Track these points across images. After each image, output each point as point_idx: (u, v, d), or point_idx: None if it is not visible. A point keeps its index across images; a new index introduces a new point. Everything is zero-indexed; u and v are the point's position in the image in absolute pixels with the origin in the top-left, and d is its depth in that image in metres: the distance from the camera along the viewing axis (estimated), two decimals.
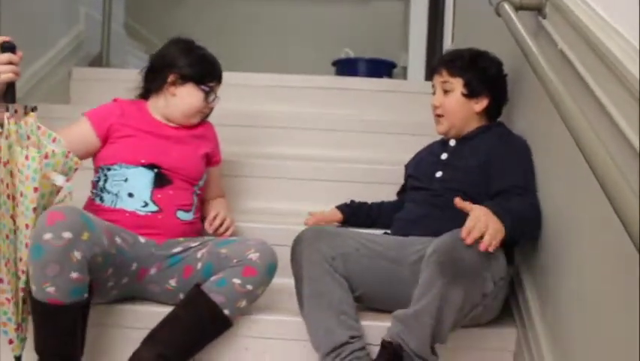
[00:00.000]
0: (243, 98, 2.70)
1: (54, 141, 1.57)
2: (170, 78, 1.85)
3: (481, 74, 1.79)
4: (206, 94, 1.86)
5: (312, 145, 2.48)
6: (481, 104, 1.80)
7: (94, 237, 1.47)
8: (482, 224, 1.43)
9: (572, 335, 1.37)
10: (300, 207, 2.16)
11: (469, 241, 1.41)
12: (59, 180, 1.53)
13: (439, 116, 1.82)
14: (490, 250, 1.43)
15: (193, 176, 1.82)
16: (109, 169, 1.76)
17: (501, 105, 1.86)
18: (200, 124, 1.94)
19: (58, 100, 2.72)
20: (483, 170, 1.70)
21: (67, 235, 1.42)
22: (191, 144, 1.87)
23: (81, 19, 3.03)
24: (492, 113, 1.84)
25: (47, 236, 1.41)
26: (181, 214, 1.77)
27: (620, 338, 1.13)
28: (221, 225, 1.85)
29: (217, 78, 1.89)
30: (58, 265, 1.41)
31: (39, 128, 1.56)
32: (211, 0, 4.52)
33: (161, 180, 1.75)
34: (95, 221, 1.53)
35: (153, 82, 1.88)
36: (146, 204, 1.72)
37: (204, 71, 1.86)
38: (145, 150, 1.77)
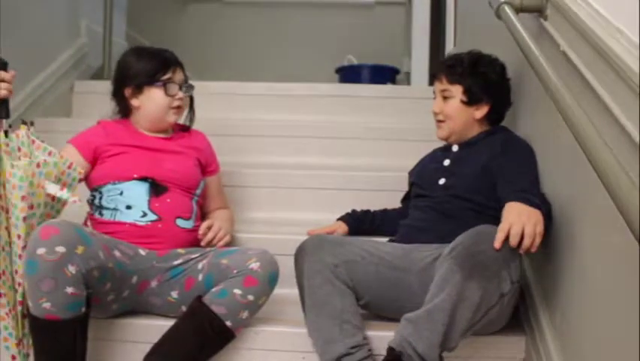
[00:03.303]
0: (245, 108, 2.70)
1: (50, 154, 1.57)
2: (127, 93, 1.82)
3: (482, 80, 1.77)
4: (165, 88, 1.79)
5: (316, 153, 2.46)
6: (482, 110, 1.77)
7: (89, 250, 1.46)
8: (517, 228, 1.40)
9: (581, 340, 1.34)
10: (303, 216, 2.14)
11: (513, 243, 1.40)
12: (51, 188, 1.52)
13: (440, 121, 1.81)
14: (533, 250, 1.41)
15: (189, 184, 1.80)
16: (103, 187, 1.74)
17: (503, 110, 1.84)
18: (190, 135, 1.92)
19: (61, 113, 2.73)
20: (486, 175, 1.68)
21: (60, 249, 1.40)
22: (182, 153, 1.84)
23: (82, 33, 3.04)
24: (494, 118, 1.81)
25: (41, 251, 1.40)
26: (181, 222, 1.74)
27: (629, 341, 1.10)
28: (214, 235, 1.77)
29: (167, 68, 1.80)
30: (52, 280, 1.40)
31: (33, 142, 1.56)
32: (212, 10, 4.52)
33: (156, 189, 1.73)
34: (91, 235, 1.51)
35: (119, 104, 1.86)
36: (145, 214, 1.71)
37: (151, 69, 1.79)
38: (136, 164, 1.75)
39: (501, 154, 1.68)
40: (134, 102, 1.82)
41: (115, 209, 1.71)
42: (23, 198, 1.48)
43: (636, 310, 1.06)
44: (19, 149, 1.55)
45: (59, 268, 1.40)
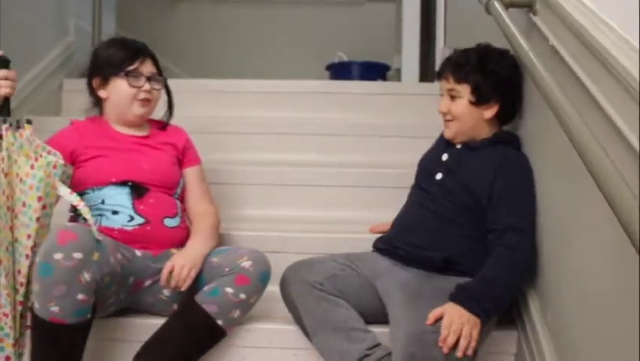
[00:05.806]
0: (234, 105, 2.68)
1: (49, 153, 1.56)
2: (95, 84, 1.77)
3: (491, 78, 1.66)
4: (129, 78, 1.72)
5: (306, 150, 2.44)
6: (492, 110, 1.67)
7: (103, 256, 1.45)
8: (456, 327, 1.42)
9: (572, 335, 1.34)
10: (293, 213, 2.13)
11: (445, 350, 1.40)
12: (62, 190, 1.52)
13: (448, 120, 1.71)
14: (469, 352, 1.42)
15: (168, 184, 1.74)
16: (82, 194, 1.66)
17: (515, 107, 1.73)
18: (167, 131, 1.85)
19: (49, 112, 2.70)
20: (479, 193, 1.61)
21: (78, 255, 1.40)
22: (159, 150, 1.78)
23: (71, 31, 3.01)
24: (505, 117, 1.72)
25: (58, 256, 1.39)
26: (168, 221, 1.69)
27: (619, 336, 1.10)
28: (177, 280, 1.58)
29: (134, 58, 1.74)
30: (65, 285, 1.40)
31: (34, 141, 1.55)
32: (202, 8, 4.50)
33: (138, 192, 1.67)
34: (104, 239, 1.49)
35: (91, 96, 1.80)
36: (132, 218, 1.65)
37: (117, 59, 1.74)
38: (114, 167, 1.68)
39: (497, 178, 1.60)
40: (102, 93, 1.76)
41: (100, 215, 1.65)
42: (39, 198, 1.48)
43: (627, 304, 1.06)
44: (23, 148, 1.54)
45: (75, 274, 1.40)
